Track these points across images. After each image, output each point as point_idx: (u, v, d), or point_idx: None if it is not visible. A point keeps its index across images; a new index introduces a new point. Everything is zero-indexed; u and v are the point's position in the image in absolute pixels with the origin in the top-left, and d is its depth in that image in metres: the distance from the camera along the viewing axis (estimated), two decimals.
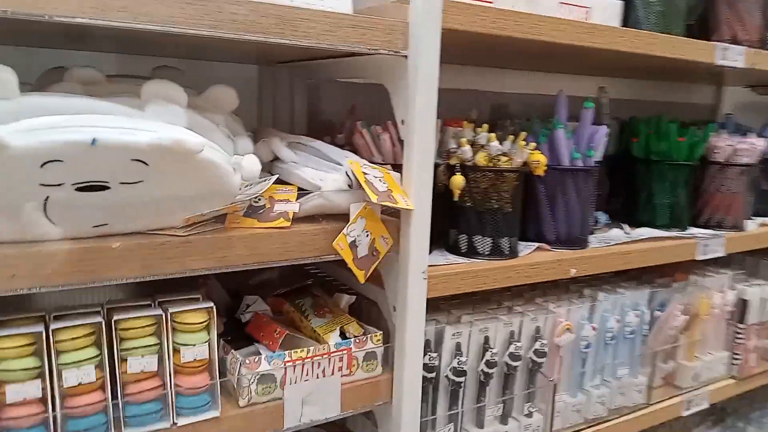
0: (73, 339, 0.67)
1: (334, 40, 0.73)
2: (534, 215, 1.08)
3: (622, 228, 1.25)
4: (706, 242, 1.21)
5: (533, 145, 0.99)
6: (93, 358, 0.68)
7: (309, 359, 0.80)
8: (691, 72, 1.44)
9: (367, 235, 0.79)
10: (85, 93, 0.73)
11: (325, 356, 0.81)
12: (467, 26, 0.82)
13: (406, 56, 0.79)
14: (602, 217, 1.28)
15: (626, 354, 1.17)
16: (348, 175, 0.79)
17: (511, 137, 1.00)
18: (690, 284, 1.27)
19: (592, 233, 1.22)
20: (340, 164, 0.83)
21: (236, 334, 0.89)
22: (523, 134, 1.01)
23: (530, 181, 1.06)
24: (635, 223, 1.29)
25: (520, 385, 1.03)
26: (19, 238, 0.63)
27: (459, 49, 1.05)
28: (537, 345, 1.01)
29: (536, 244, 1.05)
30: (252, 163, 0.72)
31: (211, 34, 0.65)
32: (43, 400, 0.66)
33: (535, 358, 1.01)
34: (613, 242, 1.13)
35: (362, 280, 0.80)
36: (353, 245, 0.78)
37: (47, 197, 0.62)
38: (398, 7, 0.80)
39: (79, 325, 0.67)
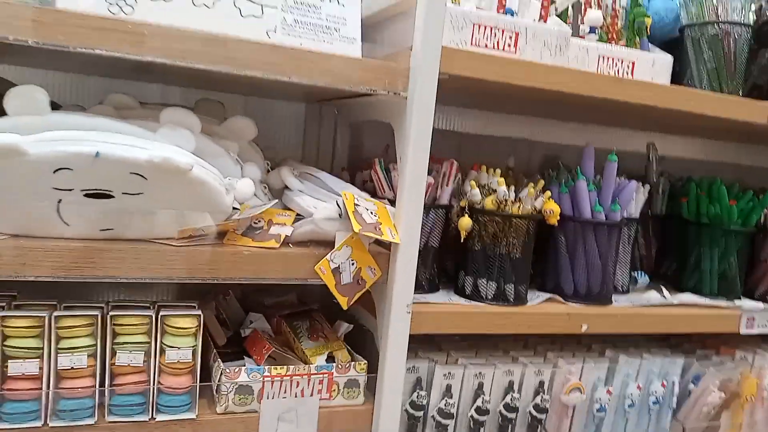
0: (71, 327, 0.75)
1: (330, 80, 0.79)
2: (554, 266, 1.06)
3: (661, 291, 1.18)
4: (751, 315, 1.11)
5: (548, 194, 0.98)
6: (87, 347, 0.76)
7: (288, 377, 0.84)
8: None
9: (353, 264, 0.83)
10: (117, 116, 0.83)
11: (304, 376, 0.85)
12: (471, 73, 0.85)
13: (406, 97, 0.83)
14: (642, 278, 1.22)
15: (650, 425, 1.09)
16: (338, 205, 0.83)
17: (531, 185, 1.00)
18: (734, 360, 1.17)
19: (626, 292, 1.17)
20: (339, 195, 0.87)
21: (237, 347, 0.95)
22: (541, 182, 1.01)
23: (551, 230, 1.05)
24: (681, 288, 1.21)
25: None
26: (36, 233, 0.73)
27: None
28: (538, 399, 0.98)
29: (549, 295, 1.02)
30: (245, 186, 0.79)
31: (208, 68, 0.73)
32: (41, 380, 0.75)
33: (534, 413, 0.98)
34: (641, 304, 1.08)
35: (345, 306, 0.83)
36: (337, 271, 0.82)
37: (60, 200, 0.72)
38: (404, 54, 0.84)
39: (78, 316, 0.76)
